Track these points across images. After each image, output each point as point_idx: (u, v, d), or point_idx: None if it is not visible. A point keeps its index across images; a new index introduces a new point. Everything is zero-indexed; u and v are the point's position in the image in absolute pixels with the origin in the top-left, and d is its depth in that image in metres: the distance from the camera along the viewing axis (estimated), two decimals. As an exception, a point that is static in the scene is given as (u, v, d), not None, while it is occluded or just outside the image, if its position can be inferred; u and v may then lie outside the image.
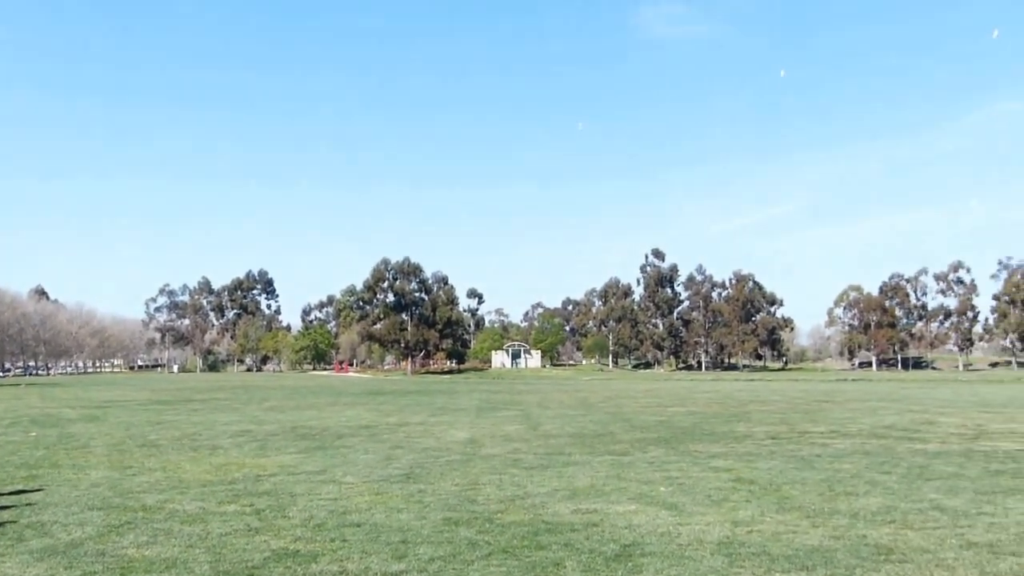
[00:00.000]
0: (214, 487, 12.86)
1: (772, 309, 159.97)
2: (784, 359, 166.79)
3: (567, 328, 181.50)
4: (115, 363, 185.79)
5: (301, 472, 14.61)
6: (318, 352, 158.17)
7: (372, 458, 16.65)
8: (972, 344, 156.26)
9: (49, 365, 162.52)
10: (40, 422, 27.33)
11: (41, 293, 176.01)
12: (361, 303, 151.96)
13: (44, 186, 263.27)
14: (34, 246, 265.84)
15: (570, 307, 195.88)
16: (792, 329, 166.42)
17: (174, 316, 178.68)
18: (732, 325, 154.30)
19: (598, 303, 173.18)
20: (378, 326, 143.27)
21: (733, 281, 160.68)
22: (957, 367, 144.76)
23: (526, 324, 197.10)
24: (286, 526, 9.72)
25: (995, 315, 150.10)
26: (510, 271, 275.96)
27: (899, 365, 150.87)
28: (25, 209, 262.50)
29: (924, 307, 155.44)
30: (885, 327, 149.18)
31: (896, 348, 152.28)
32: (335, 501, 11.41)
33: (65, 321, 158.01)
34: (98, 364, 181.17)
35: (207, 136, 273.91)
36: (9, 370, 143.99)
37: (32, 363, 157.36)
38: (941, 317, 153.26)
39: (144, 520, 10.17)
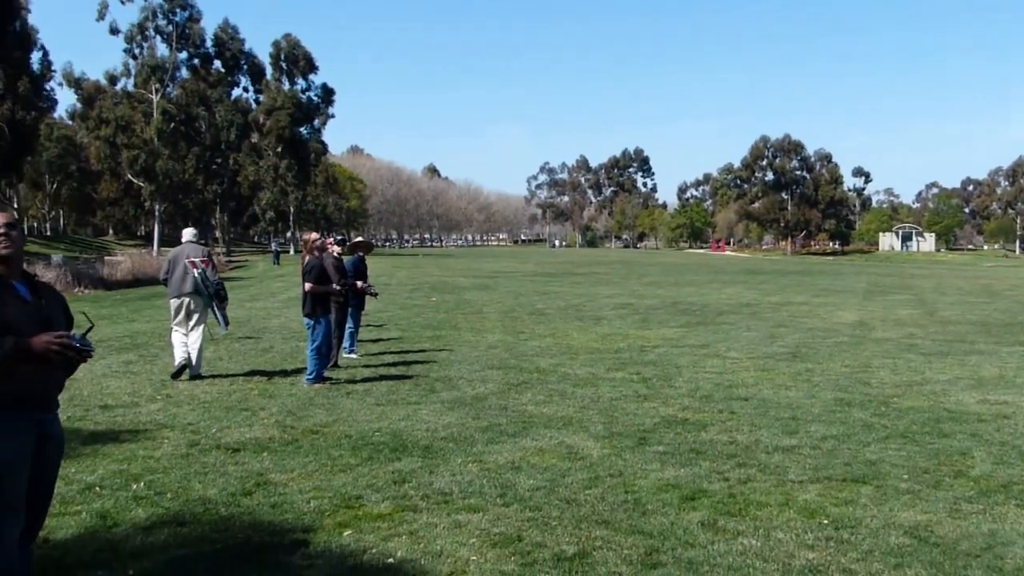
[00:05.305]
0: (601, 355, 13.38)
1: None
2: None
3: (966, 210, 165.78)
4: (500, 237, 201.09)
5: (684, 345, 14.77)
6: (694, 230, 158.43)
7: (755, 335, 16.44)
8: None
9: (442, 237, 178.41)
10: (439, 288, 30.15)
11: (433, 171, 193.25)
12: (739, 181, 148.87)
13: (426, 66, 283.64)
14: (427, 127, 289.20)
15: (971, 187, 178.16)
16: None
17: (554, 193, 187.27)
18: None
19: (1004, 183, 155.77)
20: (756, 205, 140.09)
21: None
22: None
23: (919, 205, 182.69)
24: (673, 395, 9.87)
25: None
26: (901, 150, 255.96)
27: None
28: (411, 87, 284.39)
29: None
30: None
31: None
32: (720, 375, 11.41)
33: (455, 197, 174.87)
34: (484, 238, 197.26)
35: (580, 27, 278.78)
36: (408, 241, 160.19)
37: (427, 235, 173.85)
38: None
39: (539, 381, 10.84)
